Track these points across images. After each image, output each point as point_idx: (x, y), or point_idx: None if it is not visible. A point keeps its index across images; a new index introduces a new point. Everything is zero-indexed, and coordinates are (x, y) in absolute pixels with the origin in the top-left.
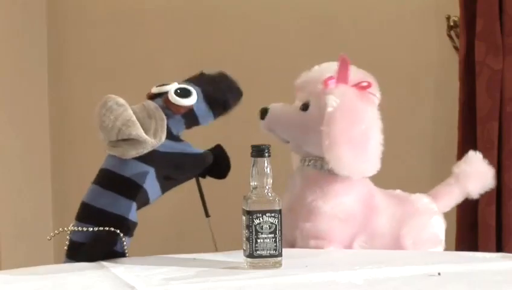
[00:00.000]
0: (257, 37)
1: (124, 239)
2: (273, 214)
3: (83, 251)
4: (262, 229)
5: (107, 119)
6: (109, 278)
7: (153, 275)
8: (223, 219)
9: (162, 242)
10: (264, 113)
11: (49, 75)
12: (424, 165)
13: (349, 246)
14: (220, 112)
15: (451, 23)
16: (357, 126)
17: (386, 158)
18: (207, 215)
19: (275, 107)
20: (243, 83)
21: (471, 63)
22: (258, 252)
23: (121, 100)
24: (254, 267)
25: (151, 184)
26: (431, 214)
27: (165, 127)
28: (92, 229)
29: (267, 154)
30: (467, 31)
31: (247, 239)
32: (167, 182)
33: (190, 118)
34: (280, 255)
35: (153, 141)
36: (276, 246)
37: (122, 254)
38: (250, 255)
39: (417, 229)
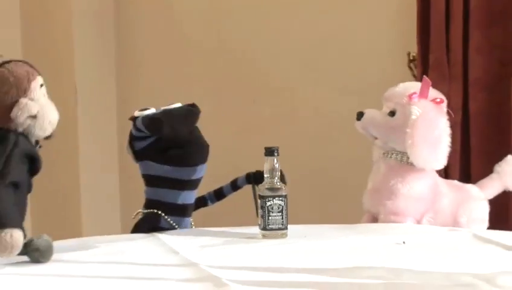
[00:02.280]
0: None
1: (167, 217)
2: (281, 198)
3: (133, 228)
4: (272, 209)
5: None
6: (158, 245)
7: (192, 243)
8: (239, 205)
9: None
10: (360, 115)
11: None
12: None
13: (419, 221)
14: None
15: (411, 58)
16: (433, 131)
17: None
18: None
19: (369, 112)
20: (248, 85)
21: None
22: (269, 226)
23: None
24: (266, 237)
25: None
26: (480, 200)
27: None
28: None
29: (276, 154)
30: (422, 63)
31: (262, 216)
32: (168, 153)
33: (134, 123)
34: (286, 228)
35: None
36: (283, 221)
37: (169, 228)
38: (264, 228)
39: (470, 210)
